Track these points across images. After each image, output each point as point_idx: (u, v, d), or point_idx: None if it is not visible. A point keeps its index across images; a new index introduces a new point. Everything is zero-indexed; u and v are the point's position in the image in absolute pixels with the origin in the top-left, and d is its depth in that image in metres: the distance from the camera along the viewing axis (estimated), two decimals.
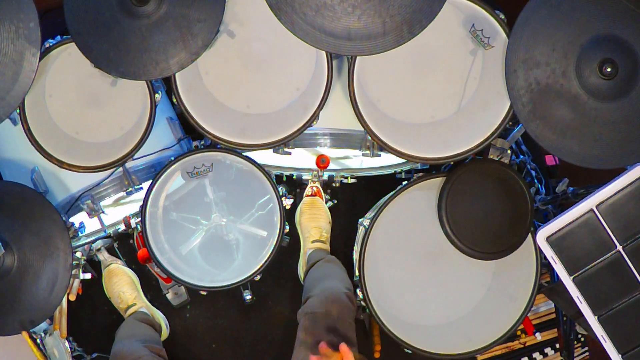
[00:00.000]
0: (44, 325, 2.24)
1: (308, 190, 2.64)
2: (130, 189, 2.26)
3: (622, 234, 1.95)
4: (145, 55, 1.99)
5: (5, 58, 1.92)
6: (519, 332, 2.70)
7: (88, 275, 2.34)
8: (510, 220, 2.20)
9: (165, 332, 2.63)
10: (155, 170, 2.28)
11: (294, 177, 2.61)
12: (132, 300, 2.54)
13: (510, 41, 1.96)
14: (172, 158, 2.25)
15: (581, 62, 1.91)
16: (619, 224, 1.94)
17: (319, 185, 2.63)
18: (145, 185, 2.28)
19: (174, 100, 2.13)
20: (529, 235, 2.22)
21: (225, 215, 2.34)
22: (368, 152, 2.24)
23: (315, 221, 2.61)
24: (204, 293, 2.36)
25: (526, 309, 2.28)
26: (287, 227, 2.30)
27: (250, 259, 2.31)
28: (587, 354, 2.75)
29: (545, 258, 2.02)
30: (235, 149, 2.21)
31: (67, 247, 2.09)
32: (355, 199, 2.76)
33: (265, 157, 2.34)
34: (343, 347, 1.85)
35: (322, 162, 2.35)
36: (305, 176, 2.60)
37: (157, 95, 2.14)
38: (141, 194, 2.27)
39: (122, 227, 2.46)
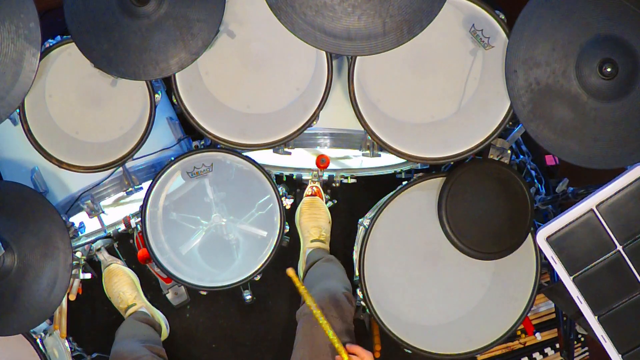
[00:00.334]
0: (44, 325, 2.24)
1: (308, 190, 2.64)
2: (130, 189, 2.26)
3: (622, 234, 1.94)
4: (145, 55, 1.99)
5: (5, 58, 1.92)
6: (519, 332, 2.70)
7: (88, 275, 2.33)
8: (510, 220, 2.20)
9: (165, 332, 2.63)
10: (155, 170, 2.28)
11: (294, 177, 2.61)
12: (132, 300, 2.54)
13: (510, 41, 1.96)
14: (172, 158, 2.25)
15: (581, 62, 1.91)
16: (619, 224, 1.94)
17: (319, 185, 2.63)
18: (145, 185, 2.28)
19: (174, 100, 2.13)
20: (529, 235, 2.22)
21: (225, 215, 2.33)
22: (368, 152, 2.24)
23: (315, 221, 2.61)
24: (204, 293, 2.37)
25: (526, 309, 2.28)
26: (287, 227, 2.30)
27: (250, 259, 2.31)
28: (587, 354, 2.74)
29: (545, 258, 2.01)
30: (235, 149, 2.21)
31: (67, 247, 2.08)
32: (355, 199, 2.76)
33: (265, 157, 2.34)
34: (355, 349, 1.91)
35: (322, 162, 2.35)
36: (305, 176, 2.60)
37: (157, 95, 2.14)
38: (141, 194, 2.27)
39: (122, 227, 2.46)
